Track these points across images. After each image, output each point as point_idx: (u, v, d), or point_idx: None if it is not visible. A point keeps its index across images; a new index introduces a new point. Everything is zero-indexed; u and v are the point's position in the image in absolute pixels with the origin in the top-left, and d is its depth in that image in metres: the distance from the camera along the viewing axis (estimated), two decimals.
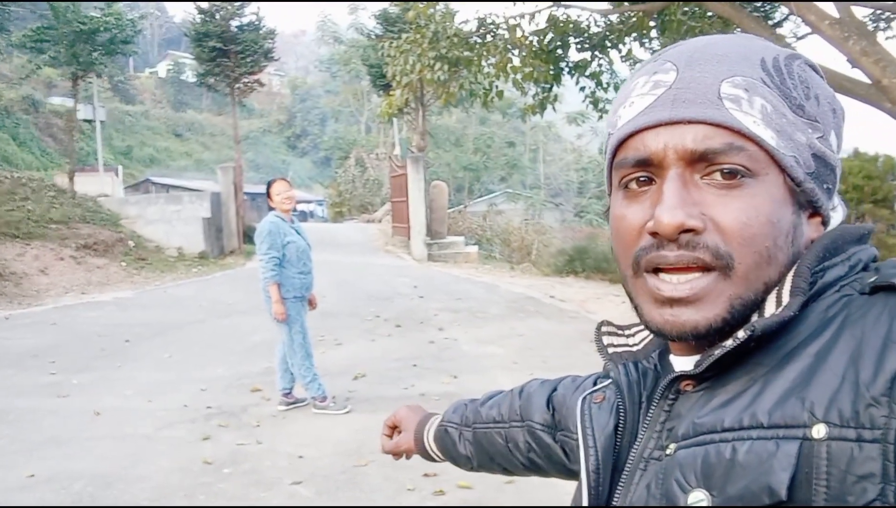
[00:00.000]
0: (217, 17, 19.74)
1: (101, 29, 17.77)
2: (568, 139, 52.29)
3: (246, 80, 20.32)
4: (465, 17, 11.06)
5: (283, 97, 72.74)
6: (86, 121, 26.37)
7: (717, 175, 0.62)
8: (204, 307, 11.50)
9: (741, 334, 0.60)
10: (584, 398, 0.79)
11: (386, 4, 21.25)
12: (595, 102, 13.29)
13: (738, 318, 0.63)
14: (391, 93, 11.53)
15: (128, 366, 7.38)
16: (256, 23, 20.43)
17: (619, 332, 0.80)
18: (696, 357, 0.66)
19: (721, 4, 8.66)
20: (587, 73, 12.00)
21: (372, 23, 25.71)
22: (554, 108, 12.25)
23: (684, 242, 0.62)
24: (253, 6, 20.79)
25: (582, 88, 12.34)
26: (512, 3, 10.80)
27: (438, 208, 19.95)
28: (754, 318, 0.63)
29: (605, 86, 12.60)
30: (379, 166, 32.65)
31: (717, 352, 0.62)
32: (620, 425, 0.73)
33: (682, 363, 0.70)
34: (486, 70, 11.05)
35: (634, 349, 0.78)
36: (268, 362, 7.42)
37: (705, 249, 0.62)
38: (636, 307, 0.68)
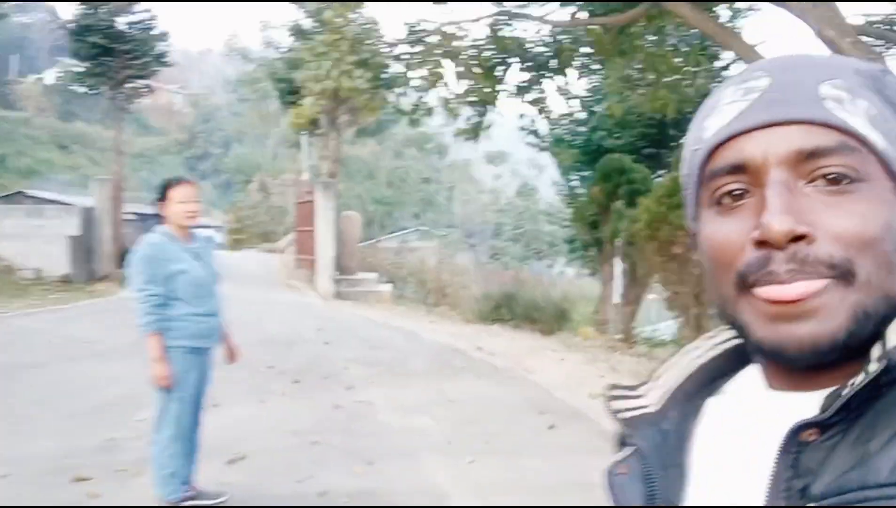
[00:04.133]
0: (102, 11, 17.37)
1: None
2: (483, 180, 51.61)
3: (132, 84, 17.95)
4: (392, 23, 9.47)
5: (183, 116, 69.22)
6: None
7: (822, 181, 0.57)
8: (53, 346, 9.26)
9: (872, 367, 0.53)
10: (609, 472, 0.72)
11: (299, 16, 19.37)
12: (534, 132, 11.84)
13: (863, 331, 0.55)
14: (301, 103, 9.76)
15: None
16: (148, 21, 18.15)
17: (631, 394, 0.74)
18: (802, 395, 0.59)
19: (699, 13, 7.42)
20: (529, 99, 10.62)
21: (285, 37, 23.73)
22: (488, 133, 10.79)
23: (795, 252, 0.56)
24: (145, 3, 18.53)
25: (521, 115, 10.95)
26: (443, 1, 9.29)
27: (349, 241, 18.12)
28: (875, 349, 0.54)
29: (547, 113, 11.25)
30: (284, 193, 30.58)
31: (847, 391, 0.53)
32: (654, 495, 0.66)
33: (781, 402, 0.61)
34: (413, 82, 9.50)
35: (651, 409, 0.71)
36: (115, 432, 5.45)
37: (818, 259, 0.55)
38: (741, 329, 0.60)
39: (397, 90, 9.34)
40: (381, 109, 9.84)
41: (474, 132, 10.25)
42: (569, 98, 17.08)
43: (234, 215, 32.86)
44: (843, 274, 0.55)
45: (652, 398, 0.73)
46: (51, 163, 53.23)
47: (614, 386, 0.76)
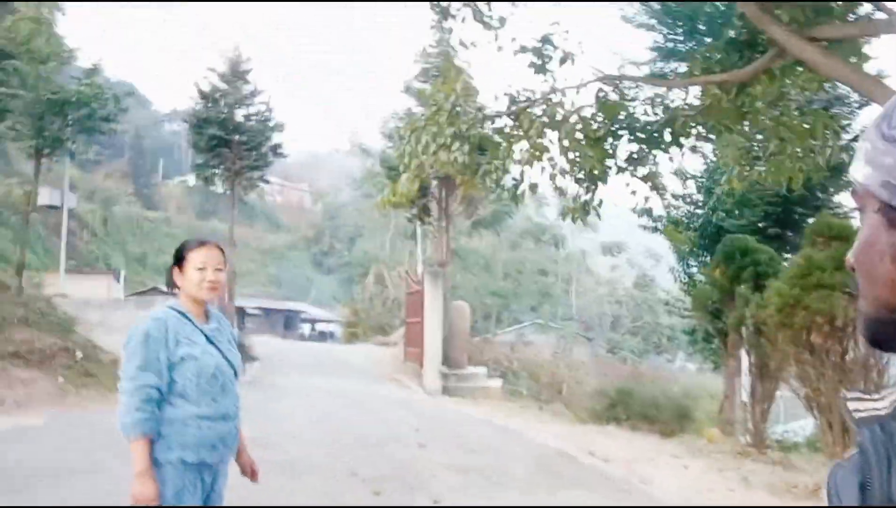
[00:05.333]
0: (221, 103, 18.08)
1: (76, 101, 15.62)
2: (600, 272, 49.99)
3: (249, 175, 18.33)
4: (495, 94, 8.85)
5: (312, 213, 72.23)
6: (50, 207, 24.44)
7: None
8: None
9: None
10: (834, 466, 0.79)
11: (411, 104, 19.41)
12: (647, 212, 10.75)
13: None
14: (397, 180, 9.20)
15: None
16: (266, 113, 18.70)
17: (867, 398, 0.80)
18: None
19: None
20: (641, 173, 9.61)
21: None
22: (598, 214, 9.78)
23: None
24: (265, 95, 19.14)
25: (633, 192, 9.94)
26: (544, 77, 8.54)
27: (458, 333, 17.27)
28: None
29: (661, 190, 10.17)
30: (400, 286, 30.36)
31: None
32: (868, 484, 0.72)
33: None
34: (516, 156, 8.75)
35: (883, 412, 0.77)
36: None
37: None
38: None
39: (496, 162, 8.59)
40: (481, 185, 9.07)
41: (583, 211, 9.31)
42: (686, 178, 15.86)
43: (350, 309, 32.90)
44: None
45: (885, 403, 0.77)
46: None
47: (852, 389, 0.89)
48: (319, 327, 49.56)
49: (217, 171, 18.62)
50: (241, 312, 46.11)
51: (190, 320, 3.05)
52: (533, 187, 8.84)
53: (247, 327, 44.27)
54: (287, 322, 50.94)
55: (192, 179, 69.18)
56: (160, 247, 56.54)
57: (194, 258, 3.07)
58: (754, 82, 7.94)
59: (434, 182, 17.18)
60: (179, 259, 3.09)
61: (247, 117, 18.84)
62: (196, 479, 2.93)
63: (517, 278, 39.40)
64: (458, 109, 8.51)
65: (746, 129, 8.89)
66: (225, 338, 3.20)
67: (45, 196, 23.79)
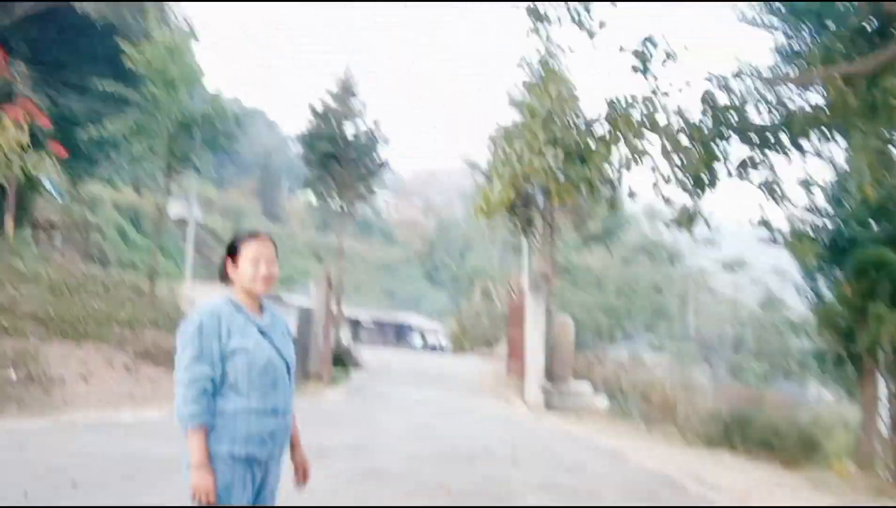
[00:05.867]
0: (332, 120, 18.65)
1: (202, 121, 16.75)
2: (720, 290, 47.64)
3: (357, 188, 18.77)
4: (592, 98, 8.48)
5: (425, 229, 73.29)
6: (180, 220, 25.90)
7: None
8: None
9: None
10: None
11: (517, 116, 19.30)
12: (766, 224, 10.05)
13: None
14: (488, 190, 8.97)
15: None
16: (374, 128, 19.12)
17: None
18: None
19: None
20: (757, 180, 8.90)
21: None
22: (708, 223, 9.15)
23: None
24: (373, 112, 19.56)
25: (753, 204, 9.21)
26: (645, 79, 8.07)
27: (562, 348, 16.82)
28: None
29: (780, 198, 9.40)
30: (505, 299, 30.16)
31: None
32: None
33: None
34: (614, 162, 8.33)
35: None
36: None
37: None
38: None
39: (592, 169, 8.20)
40: (577, 192, 8.69)
41: (689, 220, 8.73)
42: (812, 187, 14.74)
43: (457, 321, 32.95)
44: None
45: None
46: (306, 271, 58.45)
47: None
48: (429, 338, 50.11)
49: (326, 185, 19.17)
50: (356, 323, 47.35)
51: (243, 312, 2.96)
52: (632, 194, 8.38)
53: (361, 337, 45.37)
54: (399, 334, 51.82)
55: (318, 197, 72.06)
56: (283, 259, 58.53)
57: (247, 252, 2.99)
58: (887, 75, 7.16)
59: (539, 194, 16.87)
60: (233, 251, 3.02)
61: (356, 133, 19.34)
62: (246, 473, 2.84)
63: (630, 295, 38.15)
64: (553, 114, 8.22)
65: (882, 129, 8.07)
66: (279, 332, 3.10)
67: (175, 209, 25.25)
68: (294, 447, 3.16)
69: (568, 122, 8.20)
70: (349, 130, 19.23)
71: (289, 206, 72.84)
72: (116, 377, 11.85)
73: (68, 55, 25.37)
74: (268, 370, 2.91)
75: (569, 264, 34.60)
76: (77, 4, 22.76)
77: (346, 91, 19.68)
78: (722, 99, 8.04)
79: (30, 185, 25.12)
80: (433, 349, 47.09)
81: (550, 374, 16.41)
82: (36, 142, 13.41)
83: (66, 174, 28.54)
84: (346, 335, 32.81)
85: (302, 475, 3.19)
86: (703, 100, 7.86)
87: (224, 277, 3.06)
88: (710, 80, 7.84)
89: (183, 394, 2.79)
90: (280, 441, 2.95)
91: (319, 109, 19.31)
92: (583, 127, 8.20)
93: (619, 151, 8.35)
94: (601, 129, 8.30)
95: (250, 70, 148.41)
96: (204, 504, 2.72)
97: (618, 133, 7.99)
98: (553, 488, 7.40)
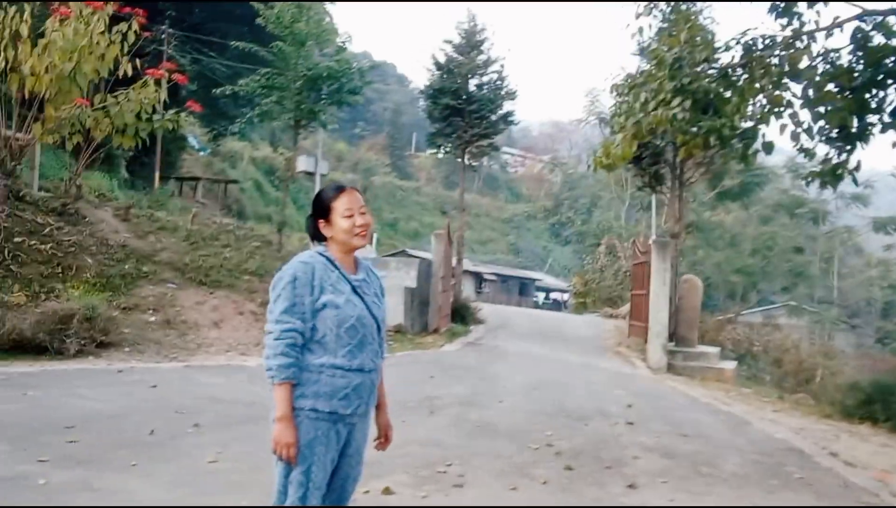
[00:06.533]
0: (455, 72, 18.53)
1: (328, 76, 17.10)
2: (872, 251, 44.03)
3: (479, 143, 18.62)
4: (726, 43, 7.84)
5: (551, 184, 72.20)
6: (306, 173, 26.65)
7: None
8: None
9: None
10: None
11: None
12: None
13: None
14: (609, 141, 8.55)
15: (151, 466, 5.09)
16: (498, 82, 18.80)
17: None
18: None
19: None
20: None
21: None
22: (855, 179, 8.36)
23: None
24: (497, 64, 19.26)
25: None
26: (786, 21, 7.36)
27: (688, 309, 16.15)
28: None
29: None
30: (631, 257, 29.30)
31: None
32: None
33: None
34: (749, 112, 7.72)
35: None
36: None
37: None
38: None
39: (723, 119, 7.64)
40: (707, 146, 8.14)
41: (833, 175, 7.99)
42: None
43: (580, 279, 32.40)
44: None
45: None
46: (433, 226, 59.52)
47: None
48: (553, 295, 49.78)
49: (450, 140, 19.17)
50: (479, 277, 47.70)
51: (337, 268, 2.93)
52: (767, 147, 7.73)
53: (484, 291, 45.69)
54: (522, 289, 51.81)
55: (442, 151, 72.61)
56: (410, 214, 60.08)
57: (339, 205, 2.95)
58: None
59: (668, 148, 16.09)
60: (324, 210, 2.98)
61: (479, 86, 19.14)
62: (330, 430, 2.83)
63: (767, 255, 36.00)
64: (681, 61, 7.69)
65: None
66: (372, 290, 3.06)
67: (302, 163, 26.10)
68: (379, 408, 3.12)
69: (698, 70, 7.64)
70: (473, 83, 19.03)
71: (416, 161, 73.84)
72: (245, 324, 12.49)
73: (210, 17, 26.66)
74: (356, 327, 2.87)
75: (700, 221, 33.06)
76: None
77: (470, 43, 19.46)
78: (877, 39, 7.23)
79: (175, 141, 26.81)
80: (556, 305, 46.77)
81: (675, 336, 15.82)
82: (177, 101, 14.15)
83: (208, 131, 30.30)
84: (467, 289, 33.14)
85: (384, 438, 3.16)
86: (854, 40, 7.09)
87: (315, 236, 3.04)
88: (863, 19, 7.04)
89: (272, 345, 2.78)
90: (364, 398, 2.92)
91: (442, 60, 19.22)
92: (714, 74, 7.62)
93: (755, 101, 7.74)
94: (736, 76, 7.69)
95: (381, 23, 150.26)
96: (284, 457, 2.76)
97: (754, 80, 7.38)
98: (669, 453, 7.13)
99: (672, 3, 9.58)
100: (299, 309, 2.81)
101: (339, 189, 3.02)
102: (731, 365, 15.59)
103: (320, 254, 2.95)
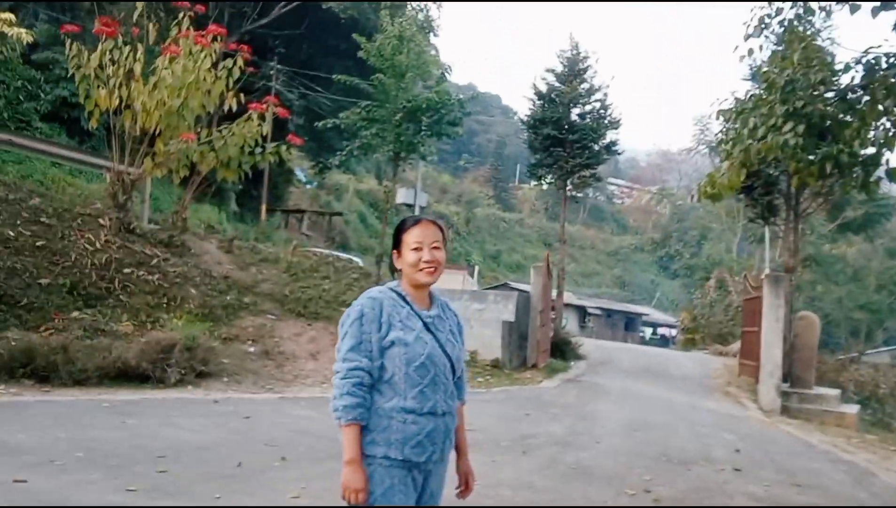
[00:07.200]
0: (556, 101, 18.34)
1: (427, 108, 17.17)
2: None
3: (581, 174, 18.28)
4: (845, 63, 7.31)
5: (659, 216, 70.35)
6: (406, 205, 26.86)
7: None
8: None
9: None
10: None
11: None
12: None
13: None
14: (715, 170, 8.12)
15: (234, 499, 5.08)
16: (601, 111, 18.46)
17: None
18: None
19: None
20: None
21: None
22: None
23: None
24: (600, 93, 18.93)
25: None
26: None
27: (804, 347, 15.12)
28: None
29: None
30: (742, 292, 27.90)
31: None
32: None
33: None
34: (870, 136, 7.16)
35: None
36: None
37: None
38: None
39: (841, 145, 7.10)
40: (822, 174, 7.59)
41: None
42: None
43: (688, 314, 31.12)
44: None
45: None
46: (535, 258, 59.15)
47: None
48: (661, 331, 48.15)
49: (552, 171, 18.96)
50: (583, 311, 46.78)
51: (408, 303, 2.78)
52: (891, 174, 7.11)
53: (588, 326, 44.75)
54: (628, 324, 50.43)
55: (543, 183, 72.36)
56: (513, 246, 59.98)
57: (409, 238, 2.79)
58: None
59: (783, 177, 15.26)
60: (397, 242, 2.85)
61: (581, 116, 18.89)
62: (406, 477, 2.66)
63: (894, 290, 33.53)
64: (794, 83, 7.24)
65: None
66: (447, 327, 2.87)
67: (402, 196, 26.50)
68: (459, 453, 2.94)
69: (814, 92, 7.17)
70: (575, 112, 18.79)
71: (520, 193, 73.76)
72: None
73: (318, 53, 27.77)
74: (426, 366, 2.70)
75: (819, 254, 31.21)
76: (324, 3, 24.76)
77: (572, 71, 19.28)
78: None
79: (283, 175, 27.87)
80: (663, 341, 45.15)
81: (790, 376, 14.83)
82: (283, 135, 14.64)
83: (315, 165, 31.34)
84: (570, 324, 32.45)
85: (465, 485, 2.96)
86: None
87: (393, 269, 2.92)
88: None
89: (339, 385, 2.66)
90: (440, 444, 2.73)
91: (544, 90, 19.10)
92: (832, 97, 7.13)
93: (878, 124, 7.18)
94: (855, 98, 7.17)
95: (487, 54, 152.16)
96: (353, 503, 2.60)
97: (876, 102, 6.84)
98: (776, 501, 6.57)
99: (786, 23, 9.08)
100: (366, 347, 2.67)
101: (416, 221, 2.87)
102: (853, 409, 14.45)
103: (391, 289, 2.80)
